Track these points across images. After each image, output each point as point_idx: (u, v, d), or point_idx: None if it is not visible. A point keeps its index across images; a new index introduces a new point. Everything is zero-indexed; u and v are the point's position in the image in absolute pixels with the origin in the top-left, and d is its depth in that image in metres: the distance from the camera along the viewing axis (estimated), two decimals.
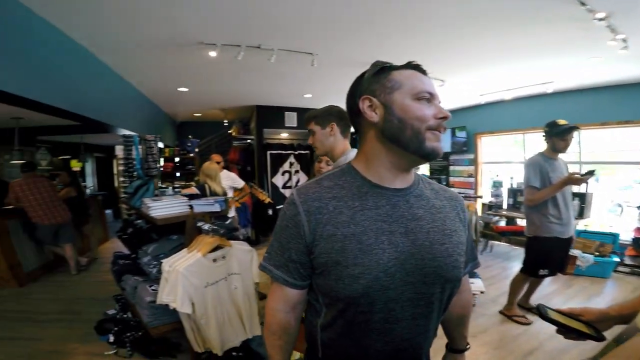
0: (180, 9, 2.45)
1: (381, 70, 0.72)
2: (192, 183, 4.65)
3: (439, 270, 0.70)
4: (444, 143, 3.23)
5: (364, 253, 0.66)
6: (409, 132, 0.68)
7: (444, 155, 6.79)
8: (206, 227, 1.84)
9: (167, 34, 2.91)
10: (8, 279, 3.78)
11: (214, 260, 1.89)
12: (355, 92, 0.75)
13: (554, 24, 2.62)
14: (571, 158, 4.57)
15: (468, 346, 0.99)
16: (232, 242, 2.02)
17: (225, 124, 8.01)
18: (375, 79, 0.72)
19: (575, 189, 3.16)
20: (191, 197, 2.34)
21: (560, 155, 2.66)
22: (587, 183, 3.25)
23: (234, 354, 2.08)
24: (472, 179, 6.35)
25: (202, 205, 2.06)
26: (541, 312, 0.81)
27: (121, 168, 3.95)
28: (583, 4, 2.24)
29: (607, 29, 2.56)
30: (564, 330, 0.79)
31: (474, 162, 6.33)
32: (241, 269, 2.04)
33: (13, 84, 2.36)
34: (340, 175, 0.76)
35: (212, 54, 3.22)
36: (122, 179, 4.81)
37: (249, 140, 6.66)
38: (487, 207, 5.81)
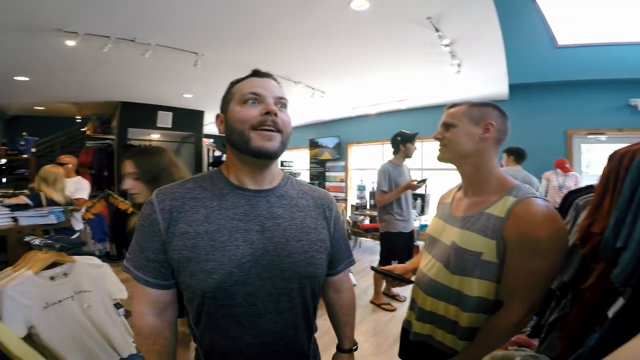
0: None
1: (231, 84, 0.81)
2: (26, 191, 3.69)
3: (295, 267, 0.73)
4: None
5: (216, 249, 0.69)
6: (235, 135, 0.73)
7: (321, 162, 7.47)
8: (37, 241, 1.57)
9: (13, 15, 2.38)
10: None
11: (52, 278, 1.62)
12: None
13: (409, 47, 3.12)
14: (415, 165, 5.57)
15: (355, 347, 0.97)
16: (77, 257, 1.76)
17: (77, 121, 6.75)
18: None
19: (419, 191, 3.84)
20: (17, 207, 1.94)
21: (405, 163, 3.06)
22: (425, 187, 4.07)
23: None
24: (343, 184, 7.19)
25: (30, 217, 1.77)
26: (375, 270, 1.23)
27: None
28: (437, 30, 2.66)
29: (449, 54, 3.10)
30: (391, 280, 1.16)
31: (344, 168, 7.17)
32: (93, 286, 1.77)
33: None
34: (202, 179, 0.78)
35: (70, 43, 2.78)
36: None
37: (108, 141, 5.73)
38: (355, 207, 6.59)
